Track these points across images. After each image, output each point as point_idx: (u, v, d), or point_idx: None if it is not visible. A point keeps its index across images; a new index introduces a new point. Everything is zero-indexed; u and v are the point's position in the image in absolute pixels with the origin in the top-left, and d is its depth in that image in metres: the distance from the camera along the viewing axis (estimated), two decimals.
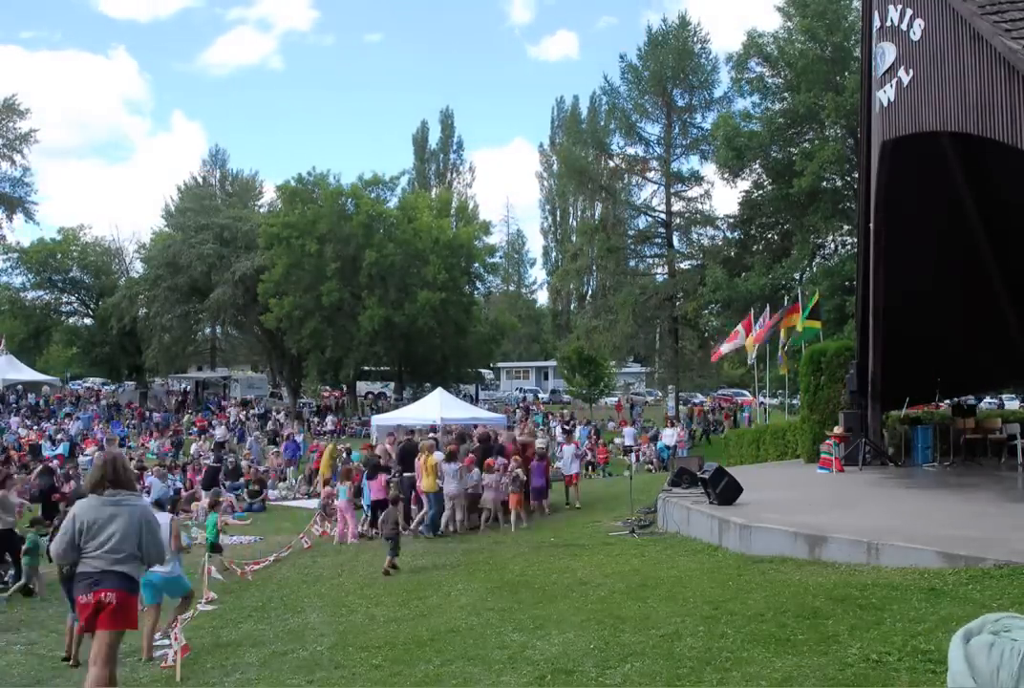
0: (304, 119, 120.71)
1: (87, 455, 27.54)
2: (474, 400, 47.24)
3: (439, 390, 28.54)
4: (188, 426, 37.25)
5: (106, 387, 56.49)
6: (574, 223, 70.46)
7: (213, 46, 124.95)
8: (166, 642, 7.45)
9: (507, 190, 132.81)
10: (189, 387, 52.45)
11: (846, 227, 32.52)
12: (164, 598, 8.07)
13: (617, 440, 30.87)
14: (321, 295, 40.32)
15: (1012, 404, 34.48)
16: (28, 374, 42.32)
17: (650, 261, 42.06)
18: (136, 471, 19.73)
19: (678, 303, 38.29)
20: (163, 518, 7.55)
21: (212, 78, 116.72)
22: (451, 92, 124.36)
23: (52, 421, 35.92)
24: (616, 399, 47.61)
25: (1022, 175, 12.83)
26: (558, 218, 75.57)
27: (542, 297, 78.82)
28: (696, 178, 39.18)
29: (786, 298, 24.35)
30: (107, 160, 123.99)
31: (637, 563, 9.49)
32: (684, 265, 39.89)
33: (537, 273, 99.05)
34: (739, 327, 25.32)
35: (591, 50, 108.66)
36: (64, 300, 56.98)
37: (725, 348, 26.71)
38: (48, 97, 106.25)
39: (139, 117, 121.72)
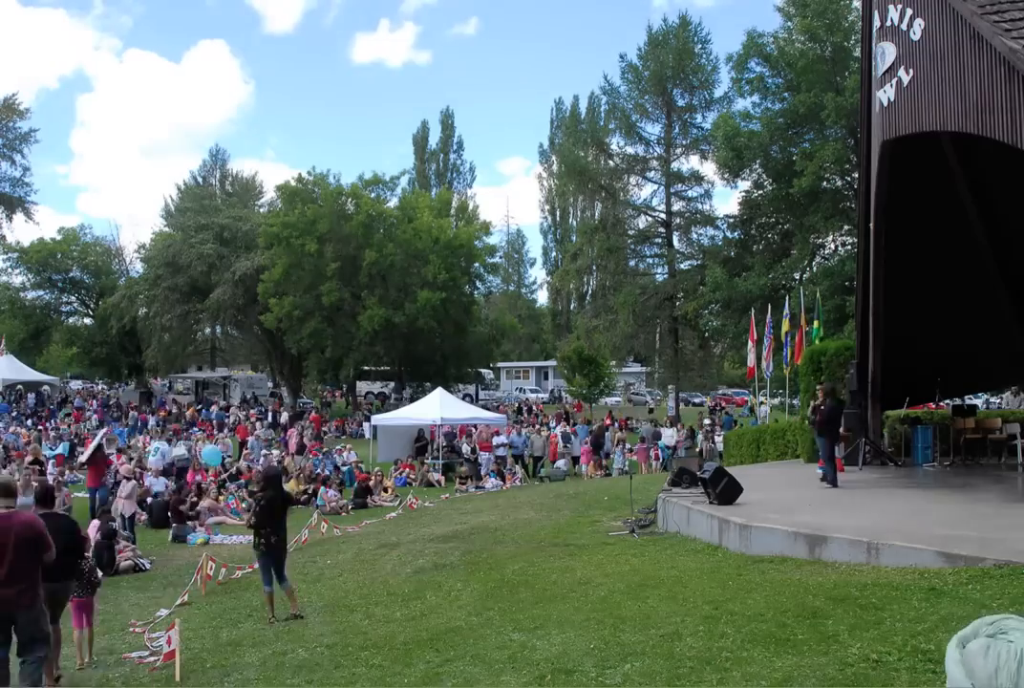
0: (311, 119, 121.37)
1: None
2: (474, 400, 47.24)
3: (439, 390, 28.54)
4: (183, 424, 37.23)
5: (103, 387, 56.50)
6: (574, 223, 70.45)
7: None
8: (161, 643, 7.46)
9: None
10: (184, 388, 52.45)
11: (846, 227, 32.52)
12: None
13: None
14: (321, 295, 40.31)
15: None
16: (28, 374, 42.29)
17: (650, 261, 42.09)
18: (138, 470, 19.79)
19: (678, 303, 38.30)
20: None
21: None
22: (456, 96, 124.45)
23: (52, 421, 35.92)
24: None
25: (1022, 175, 12.83)
26: (558, 218, 75.60)
27: (542, 297, 78.93)
28: (696, 178, 39.20)
29: (787, 298, 24.27)
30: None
31: (637, 563, 9.48)
32: (684, 265, 39.89)
33: (537, 273, 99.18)
34: (750, 345, 25.10)
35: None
36: (64, 300, 57.02)
37: (751, 361, 26.10)
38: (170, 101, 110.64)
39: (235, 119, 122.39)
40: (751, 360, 24.84)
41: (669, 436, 27.78)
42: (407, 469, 24.53)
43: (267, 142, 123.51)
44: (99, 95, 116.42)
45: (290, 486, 21.63)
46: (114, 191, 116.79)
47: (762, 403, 29.24)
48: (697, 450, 24.51)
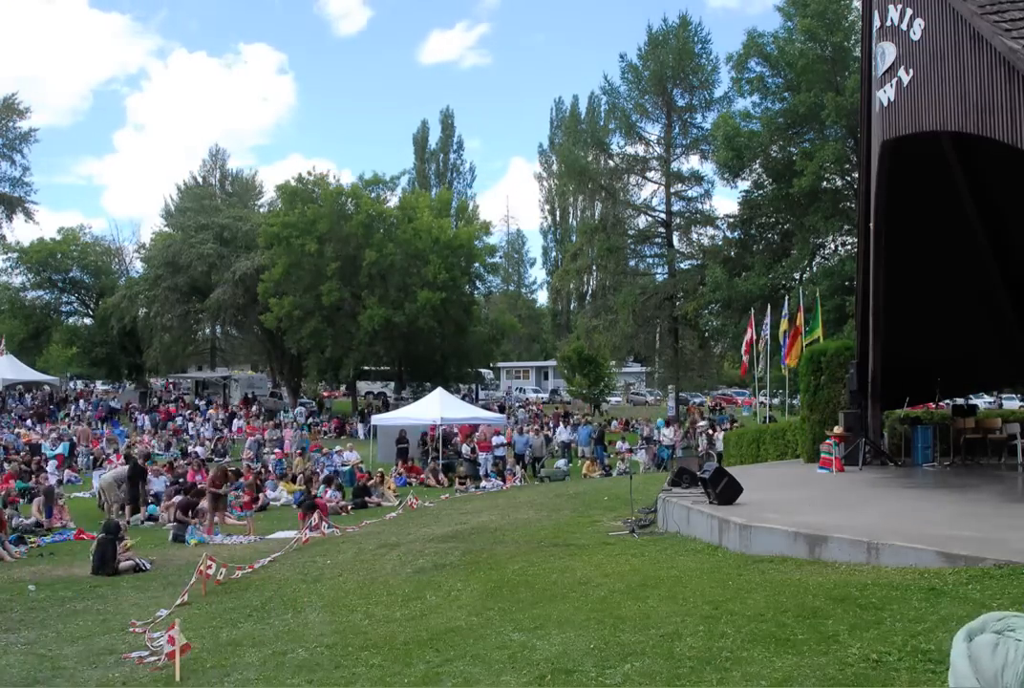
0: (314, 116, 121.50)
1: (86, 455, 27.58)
2: (474, 400, 47.24)
3: (439, 390, 28.54)
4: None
5: (102, 387, 56.51)
6: (574, 223, 70.44)
7: None
8: (161, 643, 7.44)
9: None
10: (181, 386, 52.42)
11: (846, 227, 32.51)
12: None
13: (619, 444, 30.72)
14: (321, 295, 40.31)
15: (1012, 404, 34.44)
16: (28, 374, 42.30)
17: (650, 261, 42.10)
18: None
19: (678, 303, 38.30)
20: None
21: None
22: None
23: (52, 421, 35.92)
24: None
25: (1022, 174, 12.84)
26: (558, 218, 75.60)
27: (542, 297, 78.92)
28: (696, 178, 39.21)
29: (787, 298, 24.29)
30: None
31: (637, 563, 9.47)
32: (684, 265, 39.90)
33: (537, 273, 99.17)
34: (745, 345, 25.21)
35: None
36: (64, 300, 57.03)
37: (746, 358, 26.20)
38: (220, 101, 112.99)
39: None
40: (745, 358, 25.01)
41: (668, 436, 27.83)
42: (413, 472, 24.54)
43: (321, 143, 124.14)
44: (151, 96, 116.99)
45: (289, 486, 21.66)
46: (143, 191, 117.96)
47: (763, 404, 29.25)
48: (699, 450, 24.57)
